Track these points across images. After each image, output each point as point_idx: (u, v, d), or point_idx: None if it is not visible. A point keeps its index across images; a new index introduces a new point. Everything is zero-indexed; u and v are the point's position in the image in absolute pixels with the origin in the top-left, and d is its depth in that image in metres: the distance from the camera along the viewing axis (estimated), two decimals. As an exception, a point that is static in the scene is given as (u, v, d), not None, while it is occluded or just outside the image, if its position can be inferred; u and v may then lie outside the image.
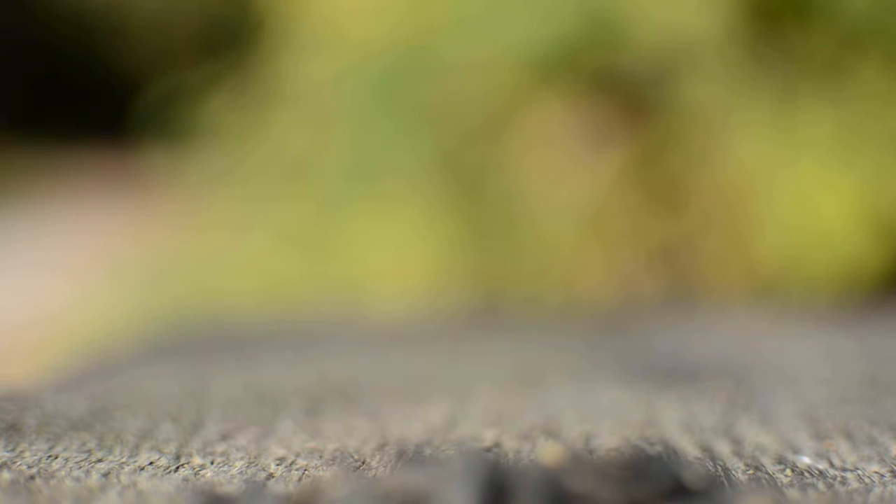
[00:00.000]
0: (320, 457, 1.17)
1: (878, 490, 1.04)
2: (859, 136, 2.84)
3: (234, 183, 3.32)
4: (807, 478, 1.08)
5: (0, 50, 5.04)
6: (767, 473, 1.10)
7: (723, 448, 1.19)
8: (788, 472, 1.10)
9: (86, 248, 4.01)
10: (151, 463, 1.14)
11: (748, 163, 2.90)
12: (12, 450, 1.17)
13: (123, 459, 1.15)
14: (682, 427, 1.25)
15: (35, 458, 1.15)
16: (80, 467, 1.12)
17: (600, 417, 1.33)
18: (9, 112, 5.02)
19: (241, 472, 1.11)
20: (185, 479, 1.08)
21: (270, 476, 1.09)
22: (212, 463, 1.15)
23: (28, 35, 5.14)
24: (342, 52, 3.12)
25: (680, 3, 2.84)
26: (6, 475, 1.08)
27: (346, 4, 3.12)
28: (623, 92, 3.00)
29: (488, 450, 1.20)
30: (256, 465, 1.14)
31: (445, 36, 3.01)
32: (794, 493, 1.03)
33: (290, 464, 1.13)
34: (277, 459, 1.16)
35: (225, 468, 1.13)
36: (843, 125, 2.85)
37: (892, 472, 1.10)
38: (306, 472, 1.10)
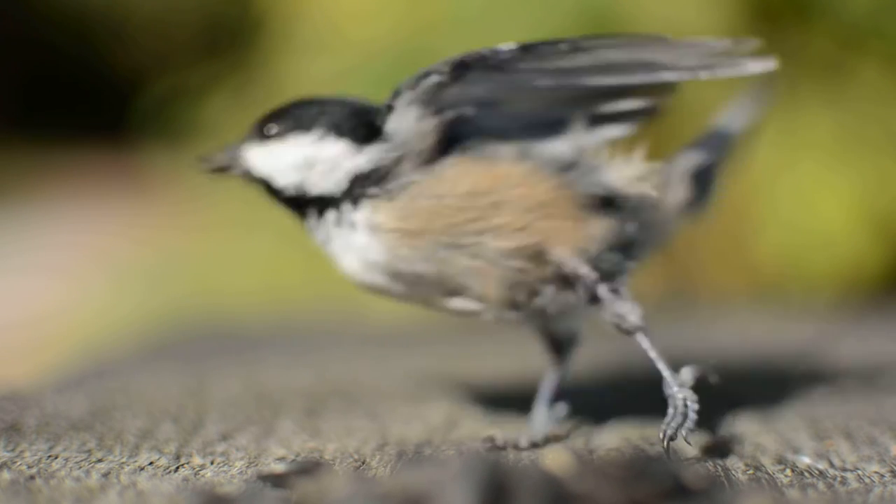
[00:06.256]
0: (320, 457, 1.17)
1: (878, 490, 1.04)
2: (859, 137, 2.84)
3: (234, 183, 3.31)
4: (807, 478, 1.08)
5: (-1, 49, 5.05)
6: (767, 473, 1.10)
7: (723, 448, 1.19)
8: (788, 472, 1.10)
9: (86, 248, 4.01)
10: (151, 463, 1.14)
11: (748, 163, 2.89)
12: (12, 450, 1.17)
13: (123, 459, 1.15)
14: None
15: (35, 458, 1.15)
16: (80, 467, 1.12)
17: (600, 417, 1.33)
18: (8, 112, 5.02)
19: (241, 472, 1.11)
20: (185, 479, 1.08)
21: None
22: (212, 463, 1.15)
23: (27, 35, 5.15)
24: (342, 52, 3.12)
25: (680, 2, 2.84)
26: (6, 475, 1.08)
27: (346, 4, 3.12)
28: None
29: (488, 450, 1.20)
30: (256, 465, 1.14)
31: (445, 35, 3.01)
32: (794, 493, 1.03)
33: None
34: (277, 459, 1.16)
35: (225, 468, 1.13)
36: (842, 126, 2.85)
37: (892, 472, 1.10)
38: (306, 472, 1.10)
